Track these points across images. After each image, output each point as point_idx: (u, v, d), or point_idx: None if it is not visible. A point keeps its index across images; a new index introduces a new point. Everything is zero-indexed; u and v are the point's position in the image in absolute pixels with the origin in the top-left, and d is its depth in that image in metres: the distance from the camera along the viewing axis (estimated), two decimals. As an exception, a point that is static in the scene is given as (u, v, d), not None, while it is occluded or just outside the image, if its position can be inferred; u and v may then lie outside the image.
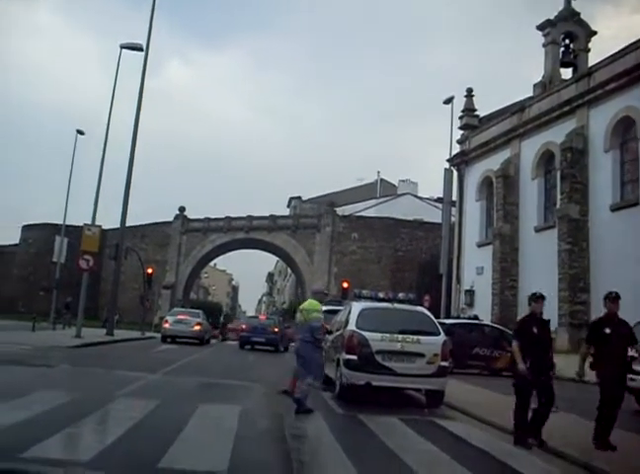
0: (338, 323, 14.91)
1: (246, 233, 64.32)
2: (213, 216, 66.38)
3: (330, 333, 15.40)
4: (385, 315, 13.16)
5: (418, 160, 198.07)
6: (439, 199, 52.81)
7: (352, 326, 12.85)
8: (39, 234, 70.99)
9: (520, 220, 36.14)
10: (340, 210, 64.68)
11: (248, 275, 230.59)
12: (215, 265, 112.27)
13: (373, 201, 72.62)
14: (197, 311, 37.11)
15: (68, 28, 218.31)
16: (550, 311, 28.67)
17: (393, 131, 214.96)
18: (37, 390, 10.54)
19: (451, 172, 39.33)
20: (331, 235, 61.06)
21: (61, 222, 47.13)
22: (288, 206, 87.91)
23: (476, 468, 7.27)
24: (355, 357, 12.27)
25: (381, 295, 14.19)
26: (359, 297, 14.98)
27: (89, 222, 30.24)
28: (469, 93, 42.90)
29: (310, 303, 11.92)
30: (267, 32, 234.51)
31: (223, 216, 65.73)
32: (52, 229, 57.76)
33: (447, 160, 41.00)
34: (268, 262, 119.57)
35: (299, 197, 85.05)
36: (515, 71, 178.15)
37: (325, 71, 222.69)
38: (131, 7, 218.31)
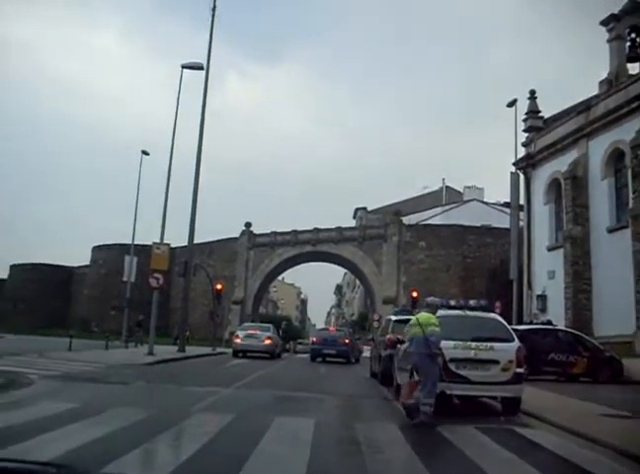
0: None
1: (313, 246, 64.54)
2: (280, 230, 66.77)
3: (402, 342, 15.28)
4: (457, 323, 12.97)
5: (482, 165, 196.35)
6: (506, 204, 52.17)
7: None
8: (108, 254, 72.67)
9: (590, 222, 35.33)
10: (406, 220, 64.48)
11: (316, 287, 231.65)
12: (283, 279, 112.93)
13: (439, 209, 72.21)
14: (267, 325, 37.29)
15: (131, 51, 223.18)
16: (627, 314, 28.08)
17: (457, 138, 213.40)
18: (113, 407, 10.68)
19: (518, 175, 38.74)
20: (398, 245, 60.85)
21: (130, 242, 47.96)
22: (354, 218, 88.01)
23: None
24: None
25: (452, 303, 13.98)
26: (445, 307, 14.83)
27: (157, 241, 30.69)
28: (532, 95, 42.23)
29: (427, 316, 11.67)
30: (323, 42, 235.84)
31: (290, 230, 66.05)
32: (121, 249, 58.94)
33: (513, 164, 40.37)
34: (336, 274, 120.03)
35: (365, 208, 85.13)
36: (578, 70, 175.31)
37: (385, 79, 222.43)
38: (191, 25, 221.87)
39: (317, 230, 64.74)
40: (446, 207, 72.57)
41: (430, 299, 13.88)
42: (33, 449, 6.98)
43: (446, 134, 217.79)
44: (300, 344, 64.28)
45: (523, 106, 41.96)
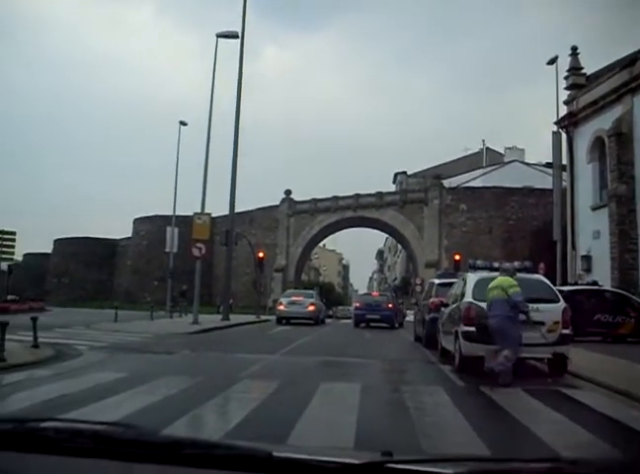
0: (454, 295, 14.74)
1: (354, 211, 64.31)
2: (320, 197, 66.64)
3: (446, 306, 15.25)
4: (502, 285, 12.88)
5: (523, 126, 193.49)
6: (548, 165, 51.38)
7: (468, 297, 12.69)
8: (150, 226, 73.25)
9: (636, 179, 34.62)
10: (446, 182, 63.94)
11: (358, 253, 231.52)
12: (325, 245, 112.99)
13: (480, 171, 71.39)
14: (310, 292, 37.43)
15: (168, 24, 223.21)
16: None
17: (497, 99, 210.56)
18: (161, 376, 10.84)
19: (560, 135, 38.08)
20: (439, 208, 60.41)
21: (171, 213, 48.30)
22: (394, 182, 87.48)
23: (607, 436, 7.01)
24: (473, 329, 12.07)
25: (496, 265, 13.86)
26: (473, 268, 14.71)
27: (198, 211, 30.87)
28: (574, 51, 41.26)
29: (504, 279, 11.68)
30: (361, 8, 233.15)
31: (330, 196, 65.90)
32: (163, 220, 59.34)
33: (555, 123, 39.65)
34: (377, 239, 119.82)
35: (405, 172, 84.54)
36: (622, 24, 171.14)
37: (424, 42, 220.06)
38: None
39: (357, 196, 64.40)
40: (487, 169, 71.66)
41: (478, 262, 13.86)
42: (87, 417, 7.11)
43: (486, 95, 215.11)
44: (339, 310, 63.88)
45: (565, 63, 41.13)
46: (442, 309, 15.85)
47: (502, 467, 1.64)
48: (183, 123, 46.44)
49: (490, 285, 11.75)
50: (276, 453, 1.60)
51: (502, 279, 11.69)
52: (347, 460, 1.59)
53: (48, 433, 1.78)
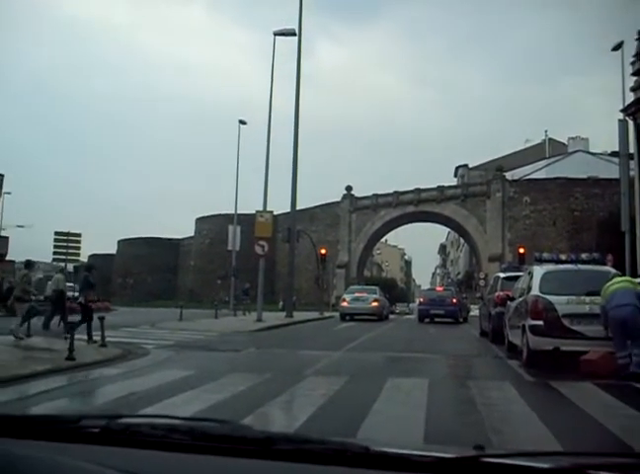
0: (520, 289, 14.53)
1: (415, 206, 63.91)
2: (381, 192, 66.42)
3: (512, 299, 15.04)
4: (570, 277, 12.66)
5: (587, 115, 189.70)
6: (614, 154, 50.12)
7: (535, 291, 12.48)
8: (212, 225, 74.08)
9: None
10: (508, 175, 63.11)
11: (420, 248, 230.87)
12: (387, 240, 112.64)
13: (543, 162, 70.27)
14: (373, 288, 37.35)
15: (221, 23, 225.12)
16: None
17: (558, 88, 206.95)
18: (228, 373, 10.94)
19: (626, 122, 37.15)
20: (502, 201, 59.63)
21: (232, 211, 48.70)
22: (455, 176, 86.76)
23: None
24: (541, 323, 11.88)
25: (563, 257, 13.63)
26: (539, 261, 14.48)
27: (260, 209, 31.04)
28: (640, 36, 40.27)
29: (627, 278, 11.65)
30: (412, 3, 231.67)
31: (391, 191, 65.64)
32: (224, 219, 60.01)
33: (621, 110, 38.71)
34: (439, 233, 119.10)
35: (466, 165, 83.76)
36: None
37: (481, 32, 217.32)
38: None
39: (418, 190, 63.98)
40: (550, 160, 70.51)
41: (545, 255, 13.66)
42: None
43: (547, 86, 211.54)
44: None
45: (631, 48, 40.10)
46: (509, 303, 15.64)
47: (600, 461, 1.58)
48: (242, 122, 46.85)
49: (611, 282, 11.51)
50: (372, 447, 1.59)
51: (622, 279, 11.57)
52: (441, 454, 1.57)
53: (144, 428, 1.82)
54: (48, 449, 1.66)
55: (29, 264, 18.58)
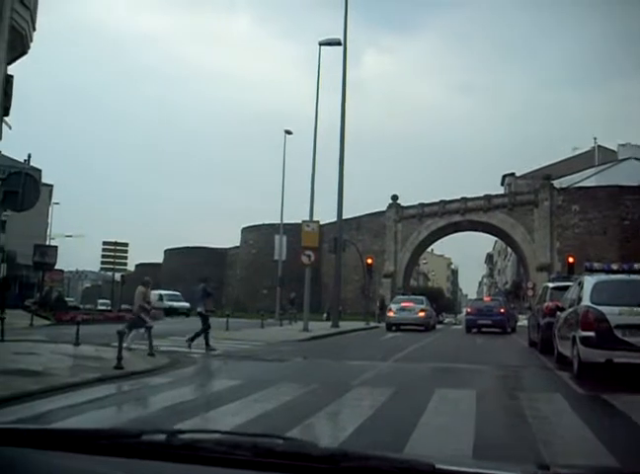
0: (570, 299, 14.29)
1: (461, 215, 63.54)
2: (427, 202, 66.13)
3: (562, 310, 14.80)
4: (622, 287, 12.40)
5: (638, 120, 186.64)
6: (667, 160, 49.35)
7: (586, 301, 12.23)
8: (257, 235, 74.53)
9: None
10: (557, 183, 62.36)
11: (466, 257, 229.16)
12: (433, 250, 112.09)
13: (592, 170, 69.26)
14: (420, 298, 37.12)
15: (267, 34, 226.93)
16: None
17: (607, 92, 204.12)
18: (275, 383, 10.92)
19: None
20: (550, 209, 58.95)
21: (278, 221, 48.88)
22: (502, 184, 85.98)
23: None
24: (592, 334, 11.63)
25: (615, 267, 13.36)
26: (590, 271, 14.23)
27: (305, 219, 31.11)
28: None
29: None
30: (456, 9, 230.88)
31: (437, 201, 65.33)
32: (270, 229, 60.31)
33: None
34: (486, 243, 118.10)
35: (513, 174, 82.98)
36: None
37: (527, 37, 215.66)
38: (323, 5, 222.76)
39: (465, 199, 63.58)
40: (600, 168, 69.43)
41: (595, 265, 13.41)
42: (207, 424, 7.24)
43: (596, 90, 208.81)
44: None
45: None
46: (558, 313, 15.37)
47: None
48: (288, 132, 47.11)
49: None
50: (438, 465, 1.57)
51: None
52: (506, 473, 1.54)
53: (207, 444, 1.81)
54: (109, 465, 1.67)
55: (147, 283, 18.70)
